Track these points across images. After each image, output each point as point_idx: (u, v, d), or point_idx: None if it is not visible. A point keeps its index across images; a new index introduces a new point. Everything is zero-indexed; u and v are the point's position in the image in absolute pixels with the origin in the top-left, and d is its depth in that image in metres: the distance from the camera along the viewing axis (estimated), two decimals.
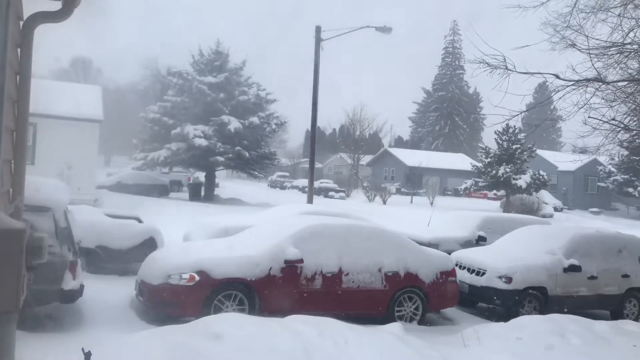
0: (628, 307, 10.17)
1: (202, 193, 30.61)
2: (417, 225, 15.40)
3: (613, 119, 8.32)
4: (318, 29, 17.94)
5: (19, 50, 3.53)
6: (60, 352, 5.30)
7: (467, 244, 12.54)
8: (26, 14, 3.57)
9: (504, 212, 31.43)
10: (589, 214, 42.60)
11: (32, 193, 5.09)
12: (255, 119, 29.78)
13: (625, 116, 8.54)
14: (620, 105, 8.39)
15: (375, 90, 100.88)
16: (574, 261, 9.53)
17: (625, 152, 40.36)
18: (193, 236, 11.13)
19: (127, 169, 34.45)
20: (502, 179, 37.40)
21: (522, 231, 11.02)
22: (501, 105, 7.89)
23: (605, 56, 7.72)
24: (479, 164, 40.60)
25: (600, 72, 7.73)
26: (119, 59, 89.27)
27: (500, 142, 39.00)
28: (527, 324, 7.31)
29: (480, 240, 12.74)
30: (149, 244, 9.95)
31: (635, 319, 9.76)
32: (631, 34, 7.55)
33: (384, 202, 37.88)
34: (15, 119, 3.50)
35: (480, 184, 40.11)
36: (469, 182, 41.47)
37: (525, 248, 10.00)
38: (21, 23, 3.55)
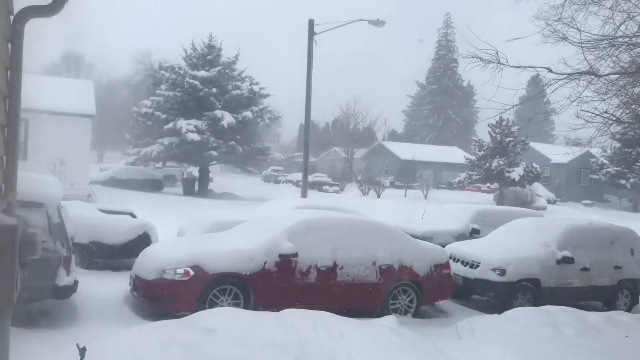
0: (620, 298, 10.25)
1: (196, 188, 30.56)
2: (411, 219, 15.44)
3: (605, 112, 8.34)
4: (311, 23, 17.91)
5: (9, 45, 3.50)
6: (55, 348, 5.29)
7: (461, 236, 12.59)
8: (16, 8, 3.54)
9: (497, 204, 31.55)
10: (582, 206, 42.82)
11: (24, 189, 5.07)
12: (248, 113, 29.70)
13: (617, 109, 8.56)
14: (612, 98, 8.40)
15: (369, 83, 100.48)
16: (567, 253, 9.59)
17: (618, 145, 40.67)
18: (187, 231, 11.11)
19: (121, 164, 34.30)
20: (495, 172, 37.54)
21: (515, 224, 11.05)
22: (494, 99, 7.90)
23: (597, 49, 7.73)
24: (473, 157, 40.70)
25: (592, 65, 7.75)
26: (112, 53, 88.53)
27: (494, 135, 39.10)
28: (521, 315, 7.36)
29: (474, 233, 12.79)
30: (143, 239, 9.91)
31: (628, 310, 9.85)
32: (622, 27, 7.56)
33: (378, 196, 37.93)
34: (6, 114, 3.48)
35: (473, 177, 40.27)
36: (463, 175, 41.64)
37: (518, 240, 10.04)
38: (11, 18, 3.52)
